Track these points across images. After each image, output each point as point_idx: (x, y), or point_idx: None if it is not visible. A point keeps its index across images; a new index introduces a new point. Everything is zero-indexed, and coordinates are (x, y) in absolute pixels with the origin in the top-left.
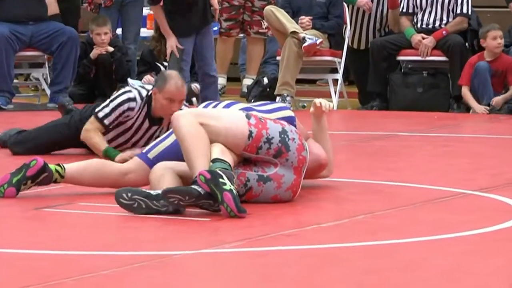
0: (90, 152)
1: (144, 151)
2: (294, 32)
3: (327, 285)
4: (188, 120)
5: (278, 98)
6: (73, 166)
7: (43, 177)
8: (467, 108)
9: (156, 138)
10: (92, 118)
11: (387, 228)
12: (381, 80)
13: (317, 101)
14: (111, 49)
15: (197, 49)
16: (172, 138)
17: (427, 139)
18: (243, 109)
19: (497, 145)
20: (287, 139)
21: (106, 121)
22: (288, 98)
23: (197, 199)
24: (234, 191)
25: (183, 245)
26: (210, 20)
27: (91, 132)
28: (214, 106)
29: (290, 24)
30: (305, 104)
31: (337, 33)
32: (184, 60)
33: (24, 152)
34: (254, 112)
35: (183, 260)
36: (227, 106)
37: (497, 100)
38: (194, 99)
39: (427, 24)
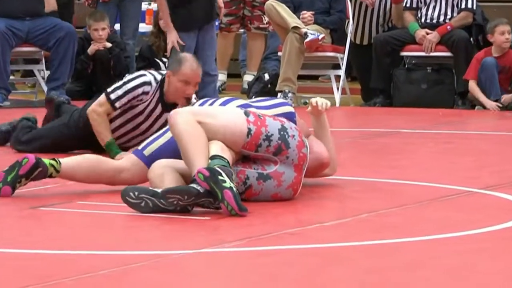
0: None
1: (139, 148)
2: (295, 27)
3: (329, 285)
4: (185, 119)
5: (279, 95)
6: (69, 161)
7: (38, 172)
8: (472, 105)
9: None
10: (103, 98)
11: (391, 227)
12: (384, 76)
13: (313, 100)
14: (109, 44)
15: (198, 46)
16: (168, 135)
17: (431, 136)
18: (241, 106)
19: (502, 142)
20: (286, 136)
21: (117, 104)
22: (289, 95)
23: (197, 197)
24: (235, 189)
25: (182, 244)
26: (214, 17)
27: (100, 117)
28: (211, 103)
29: (291, 19)
30: (307, 101)
31: (340, 28)
32: None
33: (29, 151)
34: (252, 109)
35: (182, 260)
36: (225, 103)
37: (507, 97)
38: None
39: (431, 19)
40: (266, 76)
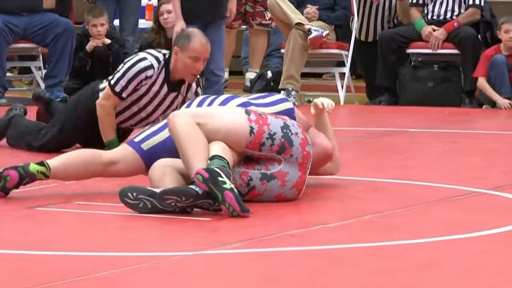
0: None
1: (136, 140)
2: (299, 24)
3: (330, 286)
4: (184, 121)
5: (282, 92)
6: (59, 163)
7: (25, 182)
8: (480, 104)
9: (174, 108)
10: (108, 91)
11: (396, 228)
12: (390, 73)
13: (318, 102)
14: (108, 41)
15: None
16: (165, 133)
17: (437, 135)
18: (241, 104)
19: (511, 141)
20: (290, 134)
21: (124, 94)
22: (293, 93)
23: (195, 199)
24: (235, 190)
25: (182, 246)
26: (223, 14)
27: (108, 116)
28: (210, 102)
29: (295, 15)
30: (311, 99)
31: (344, 25)
32: None
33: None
34: (253, 108)
35: (182, 262)
36: (224, 101)
37: None
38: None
39: (438, 16)
40: (269, 74)
